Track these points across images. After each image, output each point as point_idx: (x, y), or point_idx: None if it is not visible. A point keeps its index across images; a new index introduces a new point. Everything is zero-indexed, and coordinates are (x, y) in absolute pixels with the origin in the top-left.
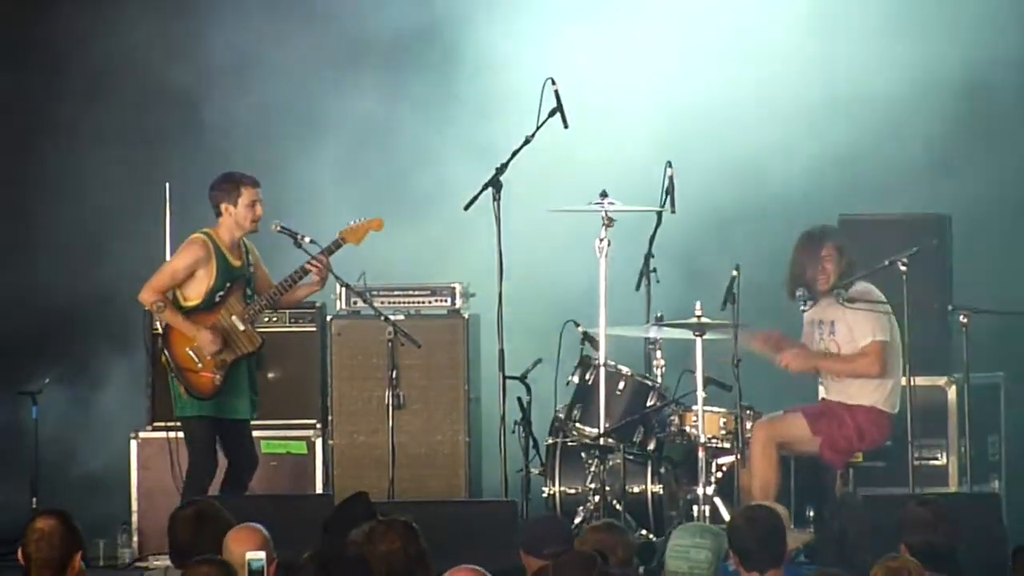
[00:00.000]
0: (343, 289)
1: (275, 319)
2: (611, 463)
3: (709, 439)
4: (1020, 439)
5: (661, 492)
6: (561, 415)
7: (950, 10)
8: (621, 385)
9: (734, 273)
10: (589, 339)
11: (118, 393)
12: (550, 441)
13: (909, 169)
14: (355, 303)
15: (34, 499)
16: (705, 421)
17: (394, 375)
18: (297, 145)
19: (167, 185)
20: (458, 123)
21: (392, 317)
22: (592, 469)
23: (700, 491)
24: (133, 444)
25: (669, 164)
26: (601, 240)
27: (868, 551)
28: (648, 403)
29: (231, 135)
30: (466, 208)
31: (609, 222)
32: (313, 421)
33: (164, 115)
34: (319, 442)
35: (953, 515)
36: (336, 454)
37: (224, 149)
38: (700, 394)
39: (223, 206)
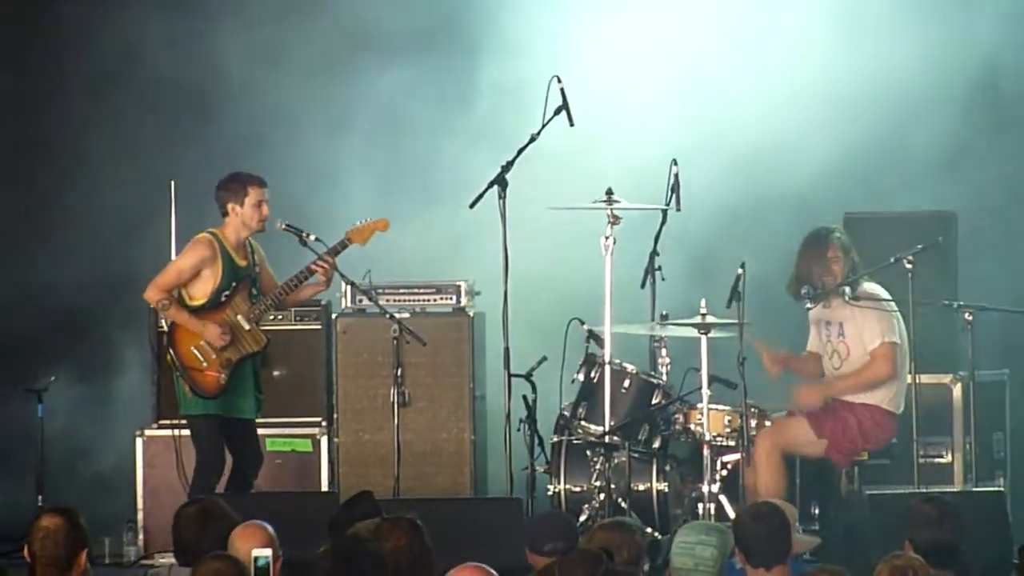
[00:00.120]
0: (348, 287)
1: (280, 317)
2: (616, 461)
3: (714, 437)
4: None
5: (666, 490)
6: (566, 413)
7: (961, 8)
8: (626, 383)
9: (739, 271)
10: (594, 337)
11: (124, 391)
12: (555, 439)
13: (916, 167)
14: (360, 301)
15: (40, 497)
16: (710, 419)
17: (399, 373)
18: (300, 144)
19: (172, 184)
20: (466, 121)
21: (397, 315)
22: (597, 467)
23: (705, 489)
24: (139, 442)
25: (674, 162)
26: (606, 238)
27: (873, 549)
28: (653, 401)
29: (237, 133)
30: (471, 206)
31: (615, 220)
32: (318, 419)
33: (170, 113)
34: (324, 440)
35: (958, 513)
36: (341, 452)
37: (230, 147)
38: (705, 392)
39: (230, 206)
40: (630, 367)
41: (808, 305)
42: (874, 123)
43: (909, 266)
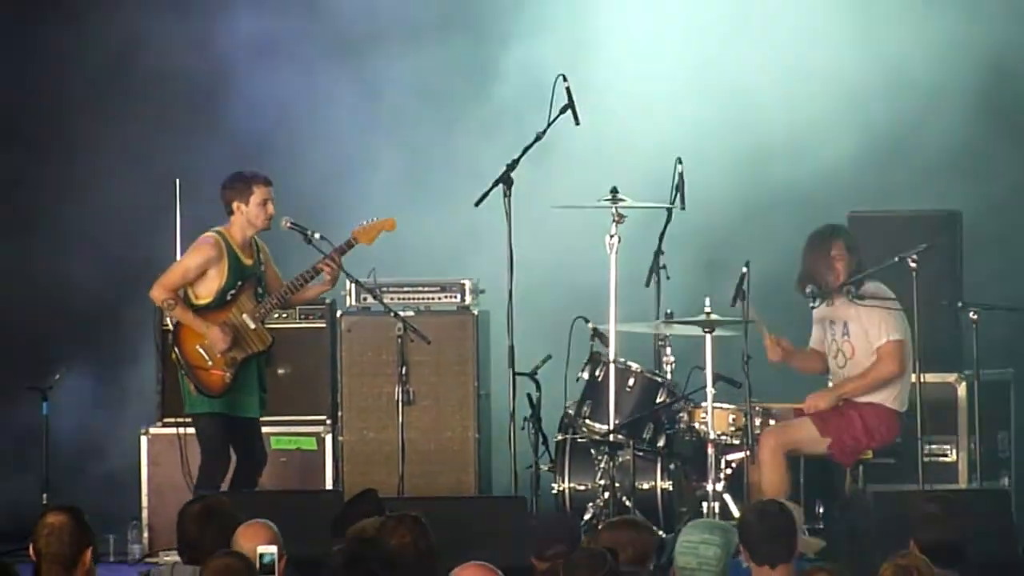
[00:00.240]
0: (353, 285)
1: (285, 316)
2: (621, 459)
3: (719, 435)
4: None
5: (671, 488)
6: (571, 411)
7: (965, 9)
8: (631, 382)
9: (744, 270)
10: (599, 335)
11: (129, 390)
12: (560, 437)
13: (921, 167)
14: (365, 299)
15: (45, 495)
16: (715, 417)
17: (404, 371)
18: (303, 143)
19: (177, 182)
20: (472, 121)
21: (402, 313)
22: (602, 465)
23: (710, 487)
24: (143, 440)
25: (679, 160)
26: (611, 237)
27: (878, 548)
28: (658, 400)
29: (242, 131)
30: (477, 204)
31: (619, 218)
32: (323, 417)
33: (175, 111)
34: (329, 438)
35: (963, 512)
36: (346, 450)
37: (235, 146)
38: (710, 390)
39: (235, 204)
40: (635, 366)
41: (812, 304)
42: (879, 123)
43: (913, 265)
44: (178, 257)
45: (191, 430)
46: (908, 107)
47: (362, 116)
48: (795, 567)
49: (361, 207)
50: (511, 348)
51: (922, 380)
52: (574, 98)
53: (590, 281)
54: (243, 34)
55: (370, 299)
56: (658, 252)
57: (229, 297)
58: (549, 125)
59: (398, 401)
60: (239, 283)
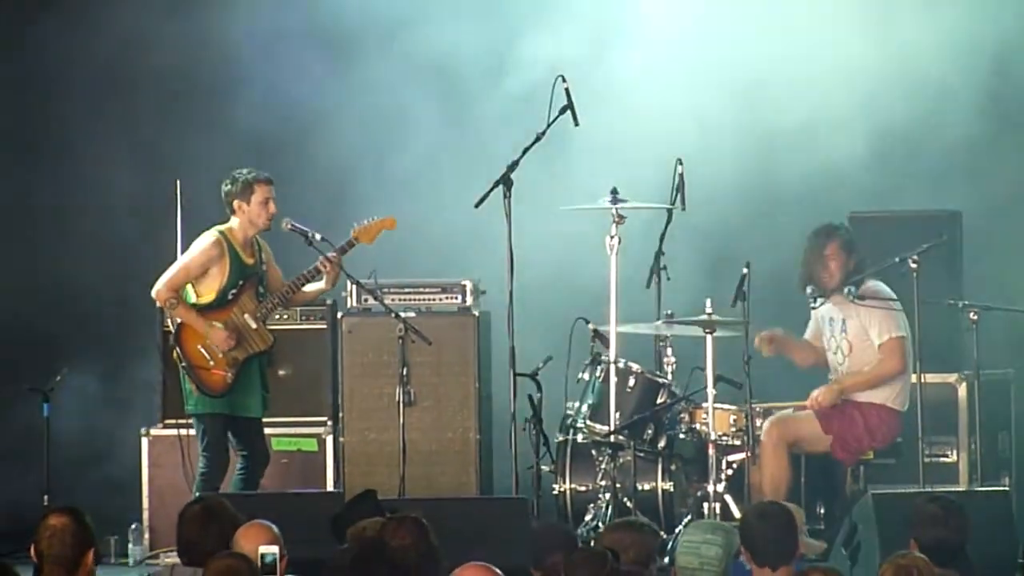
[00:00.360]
0: (354, 286)
1: (286, 316)
2: (622, 460)
3: (719, 436)
4: None
5: (671, 489)
6: (572, 412)
7: (968, 10)
8: (631, 382)
9: (744, 271)
10: (600, 336)
11: (130, 390)
12: (561, 438)
13: (923, 166)
14: (366, 300)
15: (46, 496)
16: (715, 418)
17: (405, 372)
18: (306, 142)
19: (177, 182)
20: (473, 120)
21: (403, 314)
22: (603, 466)
23: (710, 488)
24: (144, 441)
25: (679, 161)
26: (612, 238)
27: (878, 548)
28: (659, 400)
29: (241, 131)
30: (477, 205)
31: (620, 219)
32: (324, 418)
33: (175, 111)
34: (330, 439)
35: (963, 512)
36: (347, 451)
37: (234, 146)
38: (711, 391)
39: (236, 203)
40: (635, 366)
41: (813, 305)
42: (884, 124)
43: (914, 265)
44: (179, 256)
45: (192, 431)
46: (913, 107)
47: (362, 116)
48: (795, 568)
49: (362, 207)
50: (512, 349)
51: (922, 380)
52: (573, 99)
53: (591, 282)
54: (244, 33)
55: (371, 300)
56: (659, 253)
57: (230, 296)
58: (549, 126)
59: (399, 402)
60: (240, 282)
